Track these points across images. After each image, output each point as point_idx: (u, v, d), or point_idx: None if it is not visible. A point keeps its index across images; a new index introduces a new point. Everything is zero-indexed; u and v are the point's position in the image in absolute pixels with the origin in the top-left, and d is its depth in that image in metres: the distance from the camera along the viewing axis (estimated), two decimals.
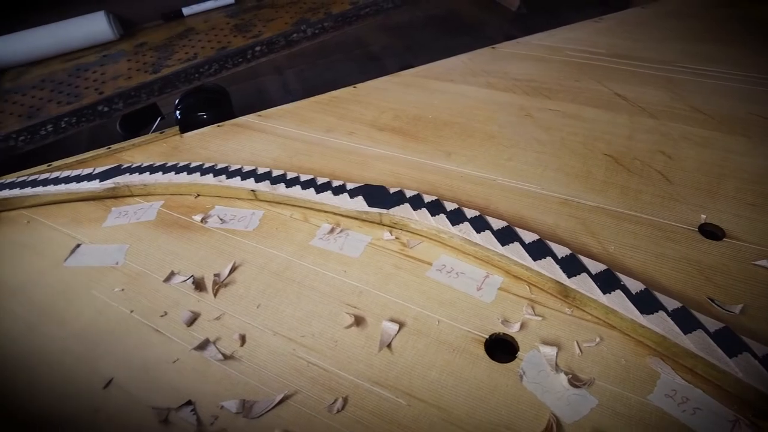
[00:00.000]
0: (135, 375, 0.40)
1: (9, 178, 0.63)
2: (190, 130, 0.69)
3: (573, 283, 0.39)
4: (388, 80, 0.76)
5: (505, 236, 0.44)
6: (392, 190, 0.51)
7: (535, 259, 0.41)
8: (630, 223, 0.47)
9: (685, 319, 0.36)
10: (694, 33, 0.78)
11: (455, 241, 0.46)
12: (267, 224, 0.52)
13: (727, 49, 0.73)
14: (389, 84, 0.75)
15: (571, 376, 0.36)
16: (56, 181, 0.59)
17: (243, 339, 0.41)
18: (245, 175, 0.55)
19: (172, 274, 0.48)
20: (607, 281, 0.39)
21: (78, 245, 0.53)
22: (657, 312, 0.37)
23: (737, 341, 0.34)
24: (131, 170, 0.59)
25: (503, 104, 0.66)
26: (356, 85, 0.75)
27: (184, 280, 0.47)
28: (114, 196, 0.59)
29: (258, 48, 0.79)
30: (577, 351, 0.38)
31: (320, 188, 0.52)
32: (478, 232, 0.45)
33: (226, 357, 0.40)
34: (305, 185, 0.53)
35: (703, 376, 0.35)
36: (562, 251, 0.42)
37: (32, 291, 0.49)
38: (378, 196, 0.51)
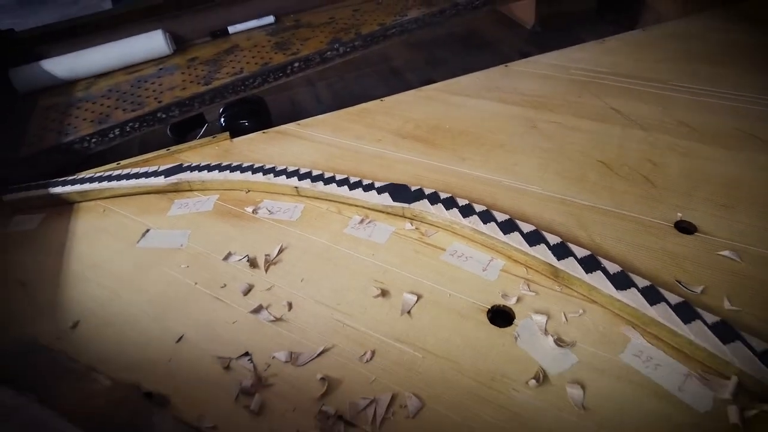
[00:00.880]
0: (201, 332, 0.49)
1: (86, 174, 0.74)
2: (235, 137, 0.79)
3: (562, 265, 0.48)
4: (412, 94, 0.84)
5: (507, 227, 0.52)
6: (413, 188, 0.60)
7: (531, 246, 0.50)
8: (616, 219, 0.55)
9: (652, 295, 0.44)
10: (693, 54, 0.83)
11: (466, 231, 0.55)
12: (307, 215, 0.62)
13: (723, 70, 0.78)
14: (412, 97, 0.83)
15: (557, 338, 0.44)
16: (127, 177, 0.70)
17: (290, 305, 0.51)
18: (289, 175, 0.64)
19: (230, 254, 0.57)
20: (590, 264, 0.47)
21: (147, 230, 0.63)
22: (629, 288, 0.45)
23: (693, 312, 0.42)
24: (191, 168, 0.69)
25: (512, 116, 0.74)
26: (383, 99, 0.83)
27: (240, 259, 0.56)
28: (176, 190, 0.69)
29: (296, 64, 0.89)
30: (564, 320, 0.46)
31: (352, 186, 0.62)
32: (485, 223, 0.53)
33: (276, 319, 0.49)
34: (340, 183, 0.62)
35: (664, 340, 0.43)
36: (554, 239, 0.50)
37: (111, 265, 0.59)
38: (401, 193, 0.60)
